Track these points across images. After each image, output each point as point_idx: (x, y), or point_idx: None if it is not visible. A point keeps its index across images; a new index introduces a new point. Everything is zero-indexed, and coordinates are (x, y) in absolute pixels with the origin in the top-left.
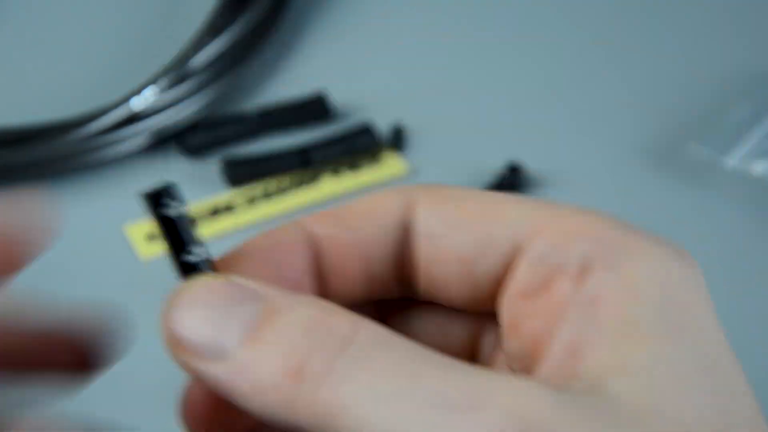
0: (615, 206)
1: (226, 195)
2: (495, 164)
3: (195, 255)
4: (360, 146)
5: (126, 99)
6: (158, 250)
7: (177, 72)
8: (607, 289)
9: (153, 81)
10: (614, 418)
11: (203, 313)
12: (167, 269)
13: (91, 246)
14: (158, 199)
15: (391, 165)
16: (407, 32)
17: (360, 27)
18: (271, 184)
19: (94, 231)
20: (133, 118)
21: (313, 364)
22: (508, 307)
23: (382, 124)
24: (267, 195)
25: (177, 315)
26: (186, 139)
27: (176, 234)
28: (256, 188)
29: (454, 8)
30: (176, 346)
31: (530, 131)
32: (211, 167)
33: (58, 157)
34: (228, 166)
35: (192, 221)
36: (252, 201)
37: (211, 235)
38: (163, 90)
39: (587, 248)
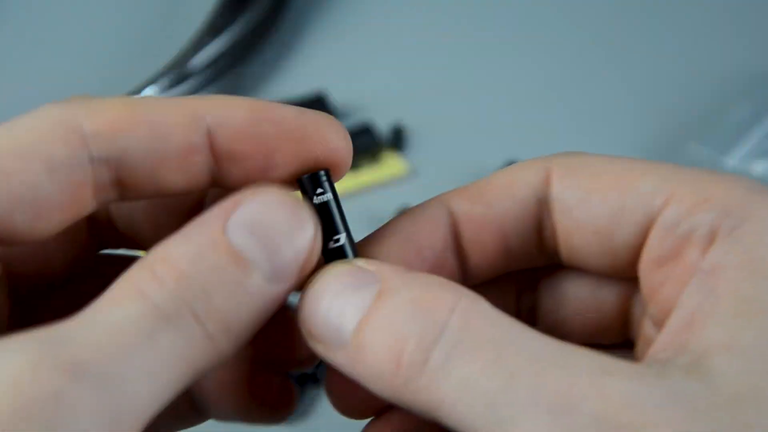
0: None
1: None
2: (495, 164)
3: (337, 241)
4: (360, 146)
5: None
6: None
7: (177, 72)
8: (729, 260)
9: (153, 81)
10: (708, 405)
11: (327, 304)
12: None
13: None
14: (313, 185)
15: (391, 165)
16: (407, 32)
17: (360, 27)
18: None
19: None
20: None
21: (411, 352)
22: (645, 275)
23: (382, 124)
24: None
25: (306, 307)
26: None
27: (326, 219)
28: None
29: (454, 8)
30: (308, 336)
31: (530, 131)
32: None
33: None
34: None
35: (340, 206)
36: None
37: None
38: (163, 90)
39: (715, 216)
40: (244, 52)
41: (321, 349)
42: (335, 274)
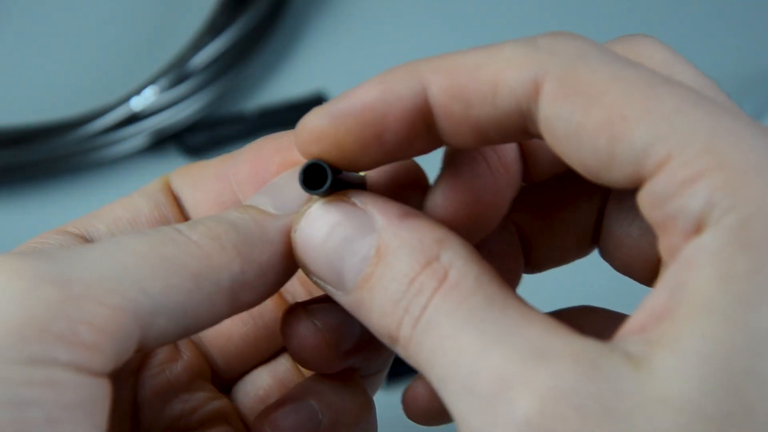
0: None
1: None
2: None
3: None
4: None
5: (126, 99)
6: None
7: (177, 72)
8: (704, 258)
9: (153, 81)
10: (629, 406)
11: (325, 244)
12: None
13: None
14: (313, 182)
15: None
16: (407, 32)
17: (360, 27)
18: None
19: None
20: (133, 118)
21: (407, 316)
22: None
23: None
24: None
25: (304, 244)
26: (186, 139)
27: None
28: None
29: (454, 8)
30: (306, 271)
31: None
32: None
33: (58, 157)
34: None
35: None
36: None
37: None
38: (163, 90)
39: (703, 201)
40: (244, 52)
41: (319, 283)
42: (328, 209)
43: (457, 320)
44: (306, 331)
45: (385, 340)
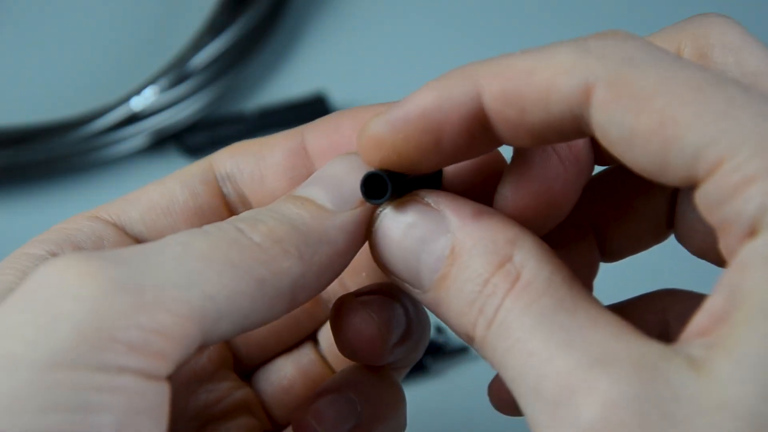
0: None
1: None
2: None
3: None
4: None
5: (126, 99)
6: None
7: (177, 72)
8: (759, 261)
9: (153, 81)
10: (689, 412)
11: (402, 245)
12: None
13: None
14: (374, 191)
15: None
16: (407, 32)
17: (360, 27)
18: None
19: None
20: (133, 118)
21: (482, 316)
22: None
23: None
24: None
25: (381, 245)
26: (186, 139)
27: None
28: None
29: (454, 9)
30: (385, 271)
31: None
32: None
33: (58, 157)
34: None
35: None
36: None
37: None
38: (163, 90)
39: (756, 205)
40: (244, 52)
41: (398, 282)
42: (403, 210)
43: (526, 323)
44: (362, 323)
45: (463, 338)
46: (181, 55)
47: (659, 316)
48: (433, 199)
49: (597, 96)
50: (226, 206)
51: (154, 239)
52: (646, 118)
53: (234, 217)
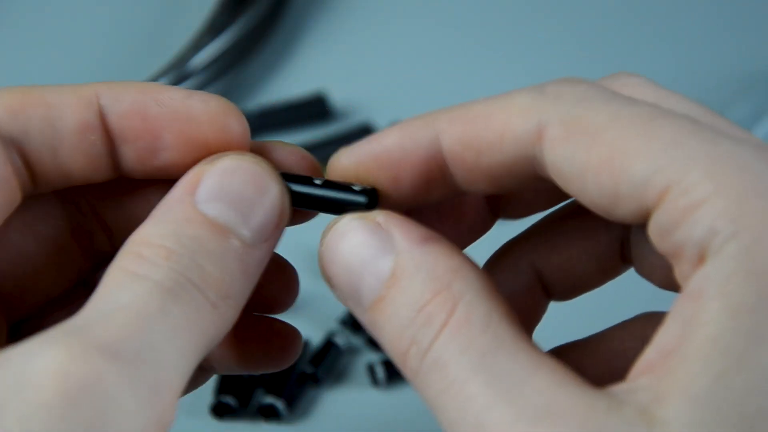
0: None
1: None
2: None
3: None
4: None
5: None
6: None
7: (177, 72)
8: (711, 290)
9: (153, 81)
10: None
11: (345, 270)
12: None
13: None
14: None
15: None
16: (407, 32)
17: (359, 27)
18: None
19: None
20: None
21: (414, 346)
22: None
23: (382, 124)
24: None
25: (327, 259)
26: None
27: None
28: None
29: (453, 9)
30: (329, 284)
31: None
32: None
33: None
34: None
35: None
36: None
37: None
38: None
39: (705, 230)
40: (244, 52)
41: (342, 298)
42: (353, 227)
43: (465, 365)
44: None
45: (397, 364)
46: (181, 55)
47: (640, 343)
48: (384, 219)
49: (549, 135)
50: (17, 178)
51: None
52: (596, 152)
53: (179, 263)
